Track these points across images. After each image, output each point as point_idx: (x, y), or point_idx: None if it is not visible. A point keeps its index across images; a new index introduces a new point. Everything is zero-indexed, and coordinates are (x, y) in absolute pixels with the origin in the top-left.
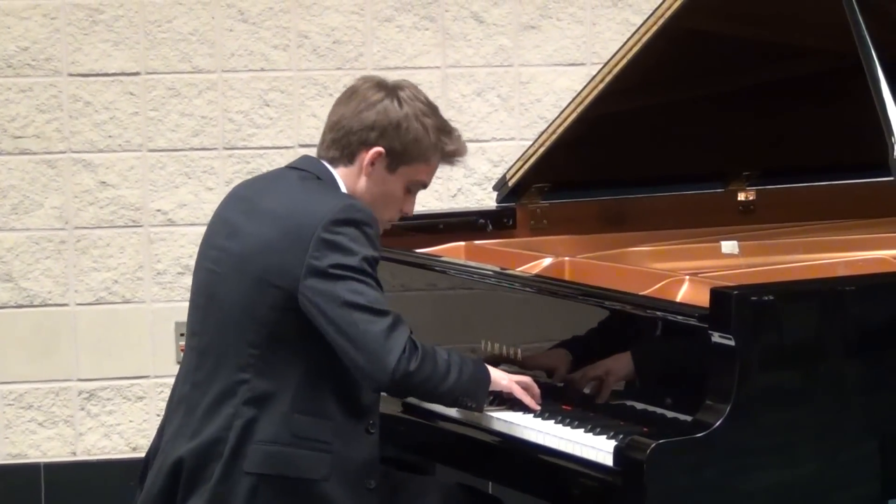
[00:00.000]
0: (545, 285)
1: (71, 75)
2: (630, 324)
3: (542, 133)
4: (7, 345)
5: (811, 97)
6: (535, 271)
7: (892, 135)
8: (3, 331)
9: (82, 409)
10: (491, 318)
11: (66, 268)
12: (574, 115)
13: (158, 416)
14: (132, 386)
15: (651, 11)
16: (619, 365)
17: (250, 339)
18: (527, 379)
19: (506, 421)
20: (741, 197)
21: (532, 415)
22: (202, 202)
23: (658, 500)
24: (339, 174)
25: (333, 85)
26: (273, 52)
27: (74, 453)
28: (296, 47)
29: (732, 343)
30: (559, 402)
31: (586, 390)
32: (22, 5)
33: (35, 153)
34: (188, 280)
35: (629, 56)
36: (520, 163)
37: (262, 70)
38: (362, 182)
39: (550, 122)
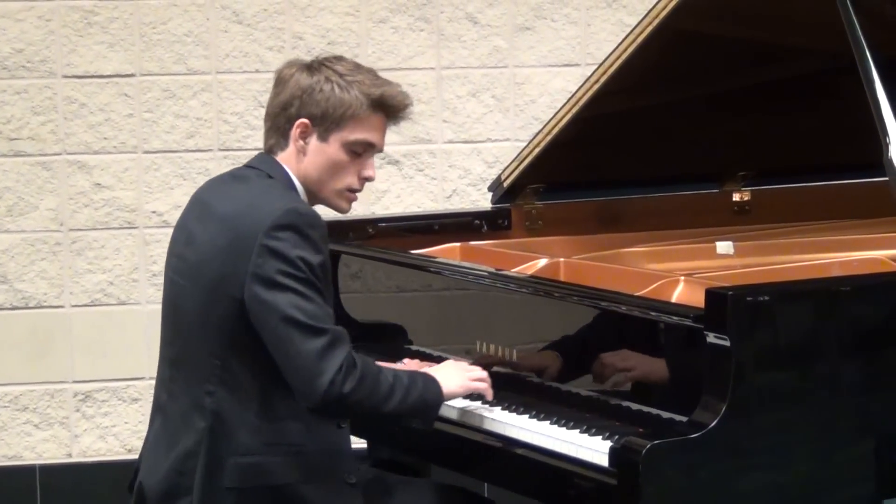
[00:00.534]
0: (540, 286)
1: (66, 77)
2: (625, 324)
3: (537, 134)
4: (2, 347)
5: (805, 98)
6: (530, 272)
7: (887, 135)
8: None
9: (77, 410)
10: (486, 318)
11: (62, 269)
12: (569, 116)
13: None
14: (127, 387)
15: (646, 12)
16: (615, 365)
17: (212, 349)
18: (480, 371)
19: (501, 422)
20: (736, 197)
21: (489, 404)
22: None
23: (653, 500)
24: (283, 160)
25: None
26: (268, 53)
27: (70, 455)
28: (291, 49)
29: (727, 343)
30: (554, 402)
31: (583, 391)
32: (17, 7)
33: (30, 155)
34: None
35: (624, 57)
36: (515, 163)
37: (257, 72)
38: (303, 160)
39: (545, 122)
